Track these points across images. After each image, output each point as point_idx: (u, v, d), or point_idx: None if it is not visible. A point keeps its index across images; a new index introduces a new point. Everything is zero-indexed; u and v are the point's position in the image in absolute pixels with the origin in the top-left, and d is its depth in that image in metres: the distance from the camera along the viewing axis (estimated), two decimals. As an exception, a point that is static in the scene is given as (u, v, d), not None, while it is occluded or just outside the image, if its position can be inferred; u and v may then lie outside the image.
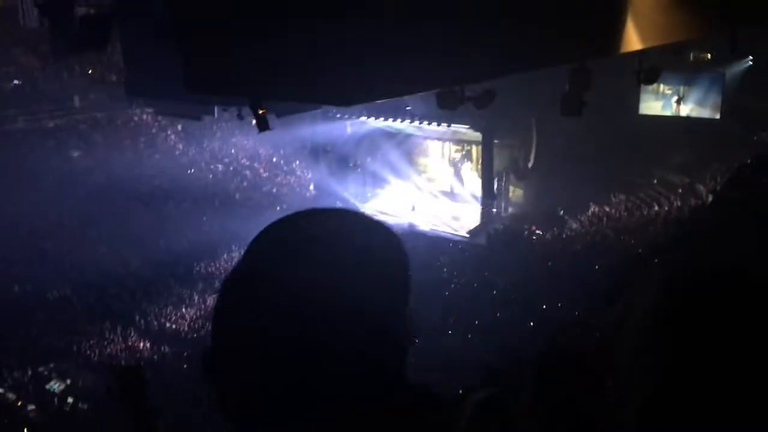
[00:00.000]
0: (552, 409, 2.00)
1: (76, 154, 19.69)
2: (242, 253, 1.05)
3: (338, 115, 20.30)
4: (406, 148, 22.01)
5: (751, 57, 16.08)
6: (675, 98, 17.37)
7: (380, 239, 1.06)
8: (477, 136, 19.40)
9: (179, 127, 21.43)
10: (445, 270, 16.68)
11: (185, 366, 13.19)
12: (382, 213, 20.91)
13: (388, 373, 1.00)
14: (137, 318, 15.13)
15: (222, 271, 17.09)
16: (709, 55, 16.56)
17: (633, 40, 6.62)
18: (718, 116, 16.91)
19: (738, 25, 8.91)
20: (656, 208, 16.47)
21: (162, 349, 14.03)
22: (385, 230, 1.08)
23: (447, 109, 11.31)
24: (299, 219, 1.06)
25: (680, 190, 16.50)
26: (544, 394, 2.06)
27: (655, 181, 17.27)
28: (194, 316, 15.38)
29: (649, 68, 11.40)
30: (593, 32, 6.45)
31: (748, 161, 14.09)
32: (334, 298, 0.95)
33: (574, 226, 17.62)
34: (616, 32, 6.56)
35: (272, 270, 0.98)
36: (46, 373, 12.93)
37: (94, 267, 16.13)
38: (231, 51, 6.08)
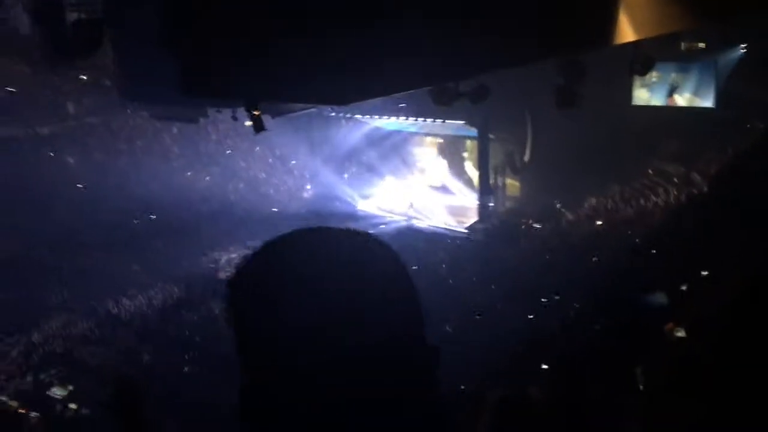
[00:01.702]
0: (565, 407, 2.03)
1: (71, 160, 19.67)
2: (239, 269, 1.04)
3: (333, 114, 20.31)
4: (402, 144, 22.05)
5: (744, 45, 16.09)
6: (667, 88, 17.37)
7: (379, 258, 1.06)
8: (472, 131, 19.44)
9: (175, 130, 21.41)
10: (443, 266, 16.70)
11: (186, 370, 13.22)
12: (380, 210, 20.98)
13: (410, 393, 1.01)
14: (136, 322, 15.13)
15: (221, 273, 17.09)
16: (701, 44, 16.55)
17: (626, 32, 6.64)
18: (711, 105, 16.93)
19: (730, 15, 8.93)
20: (653, 198, 16.50)
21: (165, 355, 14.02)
22: (383, 250, 1.08)
23: (442, 105, 11.34)
24: (296, 240, 1.05)
25: (676, 180, 16.53)
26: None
27: (651, 171, 17.29)
28: (196, 321, 15.36)
29: (643, 59, 11.43)
30: (586, 25, 6.47)
31: (743, 149, 14.12)
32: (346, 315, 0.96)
33: (571, 218, 17.65)
34: (609, 24, 6.57)
35: (276, 291, 0.99)
36: (47, 380, 12.92)
37: (91, 273, 16.16)
38: (225, 53, 6.09)
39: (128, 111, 19.99)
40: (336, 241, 1.05)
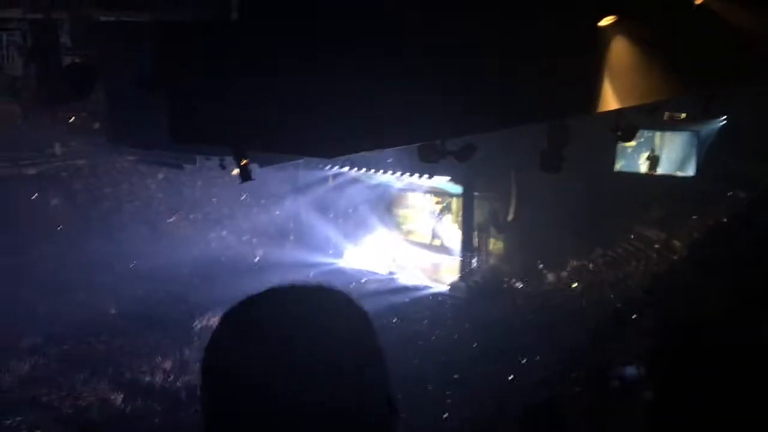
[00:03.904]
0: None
1: (55, 201, 19.57)
2: (218, 325, 1.07)
3: (320, 165, 20.44)
4: (387, 199, 22.14)
5: (725, 116, 16.54)
6: (648, 156, 17.81)
7: (353, 320, 1.08)
8: (457, 188, 19.61)
9: (160, 175, 21.42)
10: (425, 322, 16.61)
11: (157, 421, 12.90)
12: (363, 264, 20.92)
13: None
14: (110, 369, 14.80)
15: (199, 324, 16.87)
16: (683, 115, 16.98)
17: (610, 100, 6.81)
18: (692, 173, 17.30)
19: (712, 86, 9.20)
20: (634, 263, 16.63)
21: (135, 402, 13.69)
22: (357, 310, 1.10)
23: (428, 162, 11.44)
24: (273, 297, 1.08)
25: (657, 245, 16.70)
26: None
27: (633, 236, 17.47)
28: (168, 368, 15.07)
29: (626, 127, 11.67)
30: (572, 91, 6.62)
31: (723, 218, 14.35)
32: (308, 371, 0.98)
33: (553, 279, 17.71)
34: (593, 92, 6.74)
35: (245, 352, 1.01)
36: (14, 425, 12.55)
37: (68, 316, 15.91)
38: (216, 102, 6.16)
39: (115, 155, 20.02)
40: (306, 302, 1.07)
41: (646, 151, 17.88)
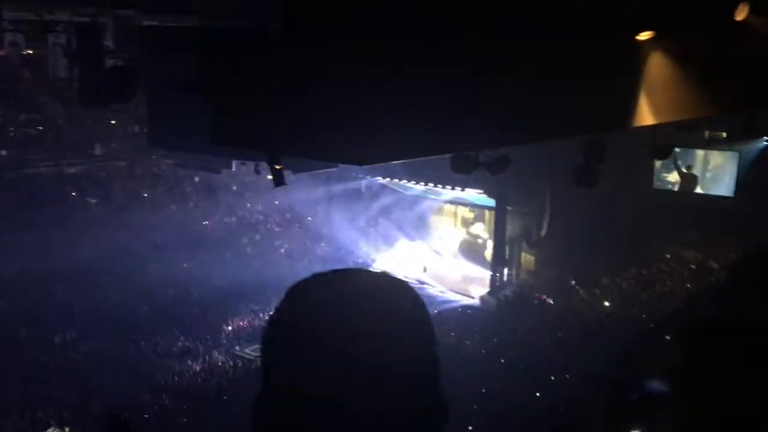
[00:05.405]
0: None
1: (93, 201, 19.98)
2: (277, 309, 1.06)
3: (353, 173, 20.53)
4: (420, 209, 22.13)
5: (766, 138, 16.21)
6: (677, 173, 17.45)
7: (409, 301, 1.08)
8: (490, 201, 19.51)
9: (197, 179, 21.74)
10: (453, 334, 16.51)
11: (185, 420, 13.04)
12: (393, 273, 20.87)
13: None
14: (141, 368, 15.01)
15: (228, 328, 17.07)
16: (724, 134, 16.68)
17: (646, 115, 6.73)
18: (730, 194, 16.95)
19: (752, 105, 9.03)
20: (669, 283, 16.34)
21: (164, 400, 13.85)
22: (412, 293, 1.10)
23: (461, 173, 11.42)
24: (331, 278, 1.07)
25: (693, 266, 16.40)
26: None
27: (668, 256, 17.18)
28: (198, 370, 15.24)
29: (663, 143, 11.51)
30: (608, 106, 6.57)
31: (761, 239, 14.03)
32: (372, 355, 0.97)
33: (585, 296, 17.47)
34: (630, 106, 6.67)
35: (308, 329, 1.00)
36: (44, 419, 12.80)
37: (102, 314, 16.22)
38: (254, 107, 6.25)
39: (153, 157, 20.38)
40: (372, 285, 1.07)
41: (684, 169, 17.57)
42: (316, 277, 1.06)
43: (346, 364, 0.95)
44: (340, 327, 0.97)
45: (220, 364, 15.43)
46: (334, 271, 1.07)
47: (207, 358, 15.68)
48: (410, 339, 1.01)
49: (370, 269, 1.06)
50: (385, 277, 1.10)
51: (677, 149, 14.02)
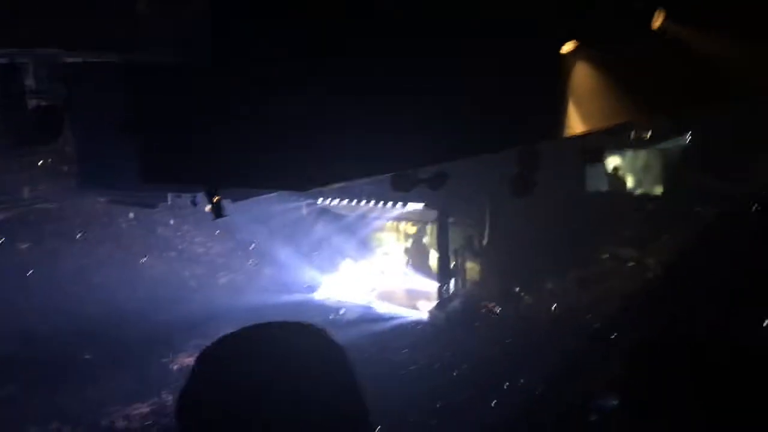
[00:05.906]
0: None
1: (24, 245, 19.23)
2: (194, 365, 1.11)
3: (294, 197, 20.40)
4: (363, 227, 22.14)
5: (690, 132, 16.86)
6: (610, 174, 18.09)
7: (328, 355, 1.13)
8: (432, 214, 19.69)
9: (131, 215, 21.19)
10: (404, 351, 16.52)
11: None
12: (340, 294, 20.82)
13: None
14: (85, 417, 14.46)
15: (176, 366, 16.63)
16: (648, 133, 17.28)
17: (575, 125, 6.93)
18: (660, 191, 17.58)
19: (676, 107, 9.41)
20: (608, 282, 16.76)
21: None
22: (331, 345, 1.15)
23: (401, 191, 11.51)
24: (242, 337, 1.12)
25: (629, 264, 16.88)
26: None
27: (606, 256, 17.64)
28: (146, 412, 14.78)
29: (593, 149, 11.87)
30: (539, 117, 6.73)
31: (691, 234, 14.57)
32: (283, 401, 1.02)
33: (531, 302, 17.77)
34: (560, 117, 6.86)
35: (219, 392, 1.05)
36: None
37: (40, 362, 15.56)
38: (186, 140, 6.15)
39: (84, 197, 19.77)
40: (279, 340, 1.11)
41: (614, 171, 18.17)
42: (223, 339, 1.12)
43: (255, 424, 1.00)
44: (245, 388, 1.02)
45: (168, 404, 14.99)
46: (240, 331, 1.12)
47: (156, 398, 15.22)
48: (321, 390, 1.05)
49: (279, 323, 1.11)
50: (293, 328, 1.14)
51: (606, 152, 14.48)
